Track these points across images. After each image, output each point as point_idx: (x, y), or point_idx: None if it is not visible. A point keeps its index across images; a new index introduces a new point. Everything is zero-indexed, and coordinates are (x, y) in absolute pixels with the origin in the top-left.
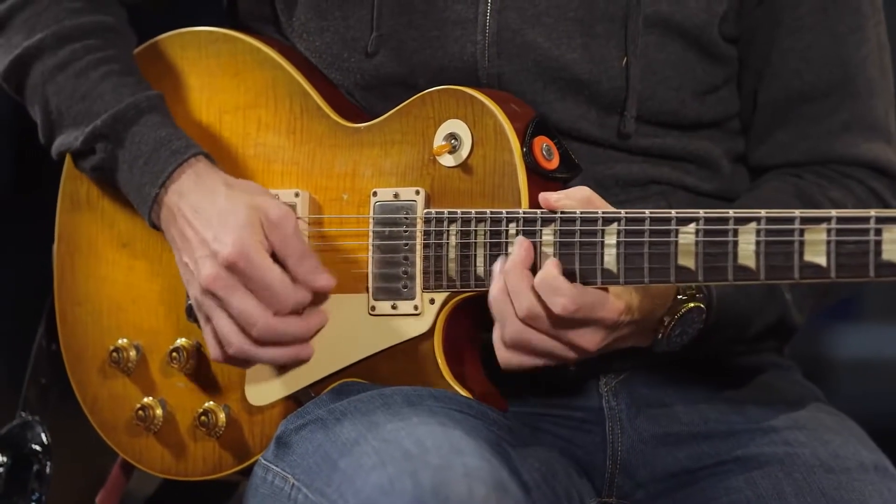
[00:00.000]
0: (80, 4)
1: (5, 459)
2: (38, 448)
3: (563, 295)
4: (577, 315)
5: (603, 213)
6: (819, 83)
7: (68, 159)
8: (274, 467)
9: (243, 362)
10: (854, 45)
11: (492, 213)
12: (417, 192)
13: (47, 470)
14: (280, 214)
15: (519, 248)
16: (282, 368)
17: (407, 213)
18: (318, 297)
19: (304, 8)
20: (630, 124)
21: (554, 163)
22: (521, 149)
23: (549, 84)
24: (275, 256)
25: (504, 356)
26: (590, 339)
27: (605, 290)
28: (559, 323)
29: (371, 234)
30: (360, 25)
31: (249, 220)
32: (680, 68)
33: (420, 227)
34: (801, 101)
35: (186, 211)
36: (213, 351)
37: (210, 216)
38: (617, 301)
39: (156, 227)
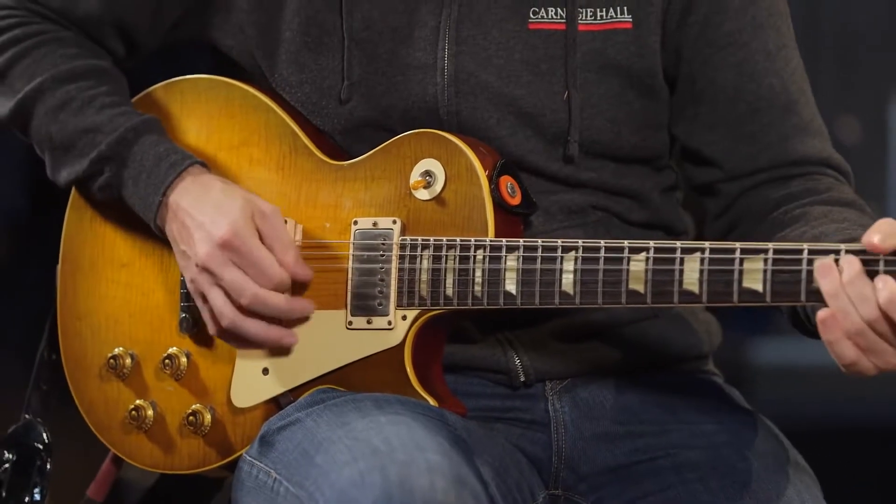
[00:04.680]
0: (75, 51)
1: (11, 456)
2: (39, 446)
3: None
4: None
5: (562, 242)
6: (763, 93)
7: (73, 188)
8: (258, 463)
9: (236, 338)
10: (784, 60)
11: (461, 240)
12: (394, 222)
13: (47, 466)
14: (270, 208)
15: (852, 264)
16: (265, 374)
17: (384, 240)
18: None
19: (286, 64)
20: (574, 148)
21: (517, 199)
22: (490, 185)
23: (501, 119)
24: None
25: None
26: None
27: None
28: None
29: (351, 257)
30: (333, 75)
31: (243, 210)
32: (616, 102)
33: (396, 251)
34: (752, 114)
35: (185, 205)
36: (209, 326)
37: (206, 206)
38: None
39: (160, 230)
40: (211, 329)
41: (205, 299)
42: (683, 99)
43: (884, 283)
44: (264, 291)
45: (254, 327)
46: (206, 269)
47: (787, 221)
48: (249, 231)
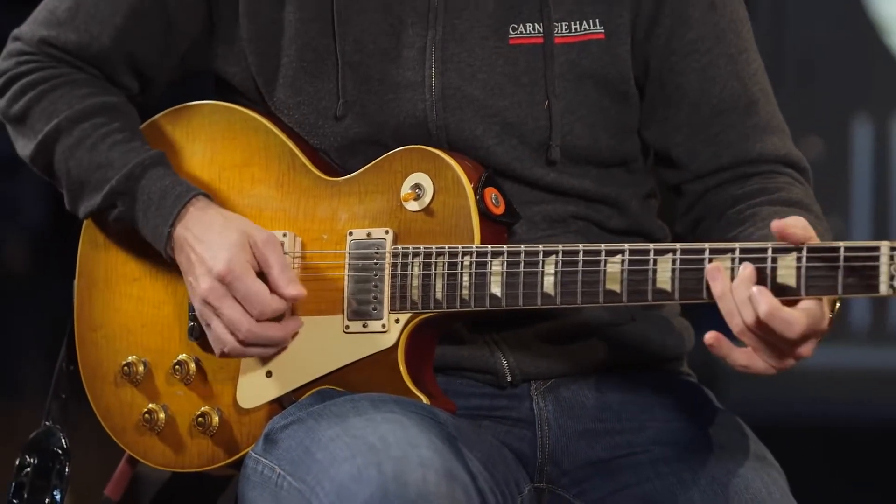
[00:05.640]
0: (88, 90)
1: (33, 461)
2: (59, 451)
3: (795, 322)
4: (803, 334)
5: (543, 247)
6: (724, 96)
7: None
8: (263, 459)
9: (239, 357)
10: (745, 63)
11: (450, 248)
12: (387, 232)
13: (66, 469)
14: (265, 237)
15: (745, 269)
16: (268, 377)
17: (378, 249)
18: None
19: (283, 88)
20: (556, 152)
21: (501, 209)
22: (475, 196)
23: (487, 130)
24: (262, 276)
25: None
26: (809, 350)
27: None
28: (787, 341)
29: (347, 266)
30: (329, 96)
31: (239, 243)
32: (593, 108)
33: (388, 260)
34: (715, 116)
35: (191, 240)
36: (215, 349)
37: (208, 241)
38: (825, 310)
39: (171, 258)
40: (217, 352)
41: (208, 325)
42: (652, 104)
43: (760, 293)
44: (258, 326)
45: (252, 351)
46: (206, 303)
47: (739, 221)
48: (244, 264)
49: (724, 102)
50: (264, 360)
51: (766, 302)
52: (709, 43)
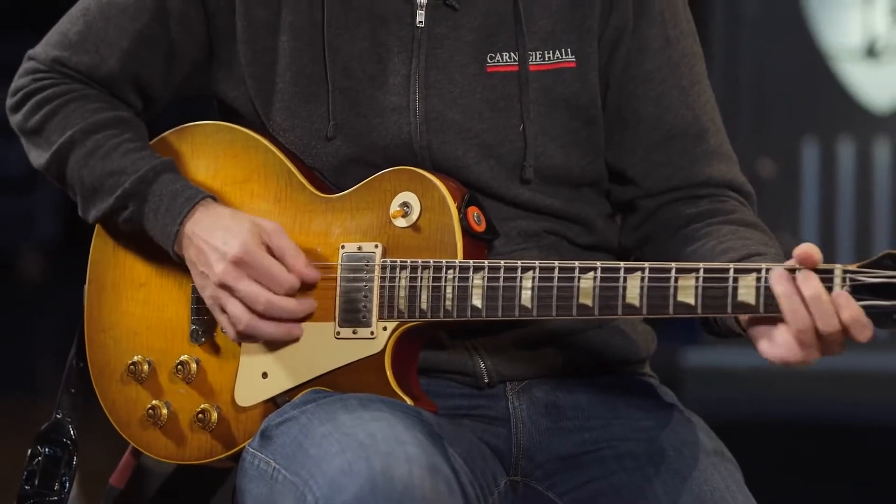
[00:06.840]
0: (99, 105)
1: (44, 450)
2: (68, 442)
3: (870, 328)
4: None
5: (521, 263)
6: (677, 123)
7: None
8: (259, 454)
9: (252, 337)
10: (696, 94)
11: (435, 262)
12: (377, 246)
13: (74, 459)
14: (273, 225)
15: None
16: (264, 377)
17: (368, 262)
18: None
19: (279, 111)
20: (530, 172)
21: (482, 227)
22: (459, 215)
23: (467, 151)
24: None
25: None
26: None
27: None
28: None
29: (339, 277)
30: (321, 119)
31: (251, 230)
32: (564, 130)
33: (377, 272)
34: (667, 140)
35: (200, 233)
36: (228, 332)
37: (218, 231)
38: None
39: (178, 256)
40: (229, 334)
41: (222, 311)
42: (610, 126)
43: (846, 299)
44: (277, 297)
45: (268, 328)
46: (223, 285)
47: (698, 237)
48: (258, 247)
49: (675, 129)
50: (261, 361)
51: (851, 308)
52: (664, 74)
